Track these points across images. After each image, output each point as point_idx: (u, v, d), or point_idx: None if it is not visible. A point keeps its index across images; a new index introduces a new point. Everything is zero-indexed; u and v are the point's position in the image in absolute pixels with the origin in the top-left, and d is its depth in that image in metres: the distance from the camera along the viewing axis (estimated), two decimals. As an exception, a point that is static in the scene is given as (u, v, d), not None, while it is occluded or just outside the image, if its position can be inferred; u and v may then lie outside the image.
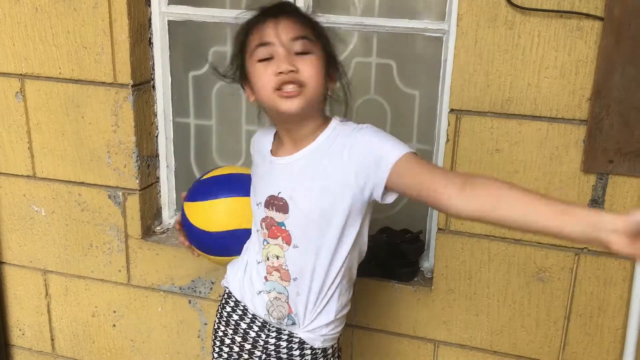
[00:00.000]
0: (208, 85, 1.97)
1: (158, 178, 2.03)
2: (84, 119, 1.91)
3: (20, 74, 1.92)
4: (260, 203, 1.29)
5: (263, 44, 1.19)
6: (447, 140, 1.63)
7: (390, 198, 1.19)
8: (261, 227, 1.30)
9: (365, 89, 1.84)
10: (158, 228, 2.05)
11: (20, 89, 1.94)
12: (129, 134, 1.88)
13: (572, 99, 1.52)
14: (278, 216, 1.26)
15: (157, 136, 1.99)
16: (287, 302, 1.29)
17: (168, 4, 1.88)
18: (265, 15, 1.22)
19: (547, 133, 1.56)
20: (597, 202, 1.57)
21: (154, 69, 1.93)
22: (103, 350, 2.16)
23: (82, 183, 1.98)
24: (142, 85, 1.89)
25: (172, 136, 2.01)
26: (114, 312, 2.09)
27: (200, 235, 1.44)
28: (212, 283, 1.94)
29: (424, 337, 1.80)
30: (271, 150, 1.32)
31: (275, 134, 1.34)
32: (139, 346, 2.11)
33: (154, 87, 1.95)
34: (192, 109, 2.01)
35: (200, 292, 1.96)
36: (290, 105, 1.18)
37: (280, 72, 1.17)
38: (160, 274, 1.99)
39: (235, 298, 1.39)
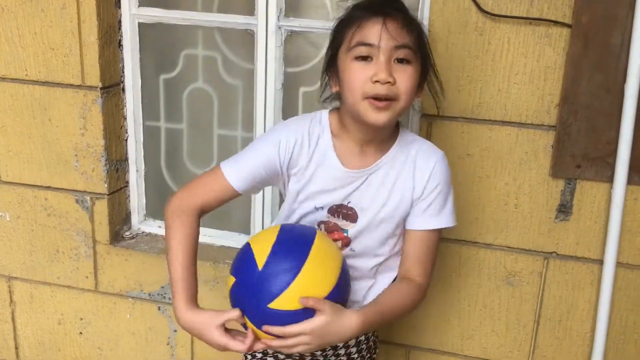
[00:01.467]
0: (179, 88, 1.95)
1: (127, 182, 2.00)
2: (51, 122, 1.87)
3: (-15, 75, 1.88)
4: (321, 207, 1.27)
5: (365, 44, 1.14)
6: (419, 145, 1.64)
7: None
8: (318, 227, 1.30)
9: (337, 94, 1.84)
10: (127, 233, 2.01)
11: (-15, 90, 1.89)
12: (98, 137, 1.85)
13: (540, 104, 1.54)
14: (344, 224, 1.27)
15: (126, 140, 1.96)
16: None
17: (138, 6, 1.86)
18: (374, 11, 1.16)
19: (517, 138, 1.58)
20: (565, 207, 1.59)
21: (123, 72, 1.90)
22: (69, 359, 2.11)
23: (48, 187, 1.93)
24: (112, 87, 1.86)
25: (142, 140, 1.98)
26: (81, 319, 2.05)
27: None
28: (182, 289, 1.91)
29: (396, 342, 1.80)
30: (337, 155, 1.25)
31: (333, 135, 1.26)
32: (106, 354, 2.06)
33: (123, 89, 1.92)
34: (163, 112, 1.98)
35: (169, 299, 1.93)
36: (378, 118, 1.15)
37: (377, 81, 1.12)
38: (129, 280, 1.95)
39: None
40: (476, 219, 1.65)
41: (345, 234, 1.28)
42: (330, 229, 1.29)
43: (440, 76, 1.32)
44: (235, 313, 1.14)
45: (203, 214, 1.29)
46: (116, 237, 1.97)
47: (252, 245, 1.17)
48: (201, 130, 1.97)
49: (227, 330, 1.16)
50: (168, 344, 1.99)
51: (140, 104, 1.95)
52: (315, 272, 1.11)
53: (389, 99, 1.14)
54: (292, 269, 1.10)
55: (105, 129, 1.85)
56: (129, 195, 2.01)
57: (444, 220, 1.28)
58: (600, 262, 1.60)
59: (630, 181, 1.51)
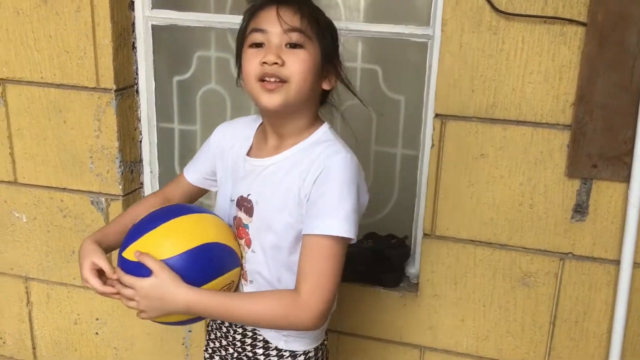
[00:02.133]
0: (192, 90, 1.96)
1: (142, 184, 2.01)
2: (66, 124, 1.88)
3: (1, 79, 1.90)
4: (233, 200, 1.27)
5: (257, 30, 1.15)
6: (432, 145, 1.63)
7: None
8: (233, 224, 1.28)
9: (350, 94, 1.83)
10: (142, 234, 2.02)
11: (1, 93, 1.91)
12: (112, 139, 1.86)
13: (556, 104, 1.53)
14: (245, 218, 1.24)
15: (140, 141, 1.97)
16: None
17: (152, 8, 1.87)
18: (268, 1, 1.17)
19: (532, 138, 1.56)
20: (581, 207, 1.58)
21: (137, 74, 1.91)
22: (85, 359, 2.13)
23: (64, 189, 1.95)
24: (126, 89, 1.88)
25: (155, 141, 1.99)
26: (97, 319, 2.06)
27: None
28: (197, 290, 1.92)
29: (410, 342, 1.79)
30: (251, 147, 1.28)
31: (259, 128, 1.30)
32: (122, 354, 2.08)
33: (137, 91, 1.93)
34: (176, 114, 1.99)
35: (184, 299, 1.94)
36: (270, 100, 1.14)
37: (265, 63, 1.13)
38: (144, 281, 1.96)
39: None
40: (491, 220, 1.64)
41: (247, 230, 1.24)
42: (237, 225, 1.26)
43: (345, 71, 1.28)
44: (106, 266, 1.20)
45: (165, 200, 1.40)
46: (131, 238, 1.98)
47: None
48: (214, 132, 1.98)
49: (101, 274, 1.21)
50: (183, 344, 2.00)
51: (154, 106, 1.96)
52: (167, 235, 1.16)
53: (278, 80, 1.13)
54: (149, 226, 1.17)
55: (120, 130, 1.86)
56: (143, 196, 2.02)
57: (328, 227, 1.11)
58: (617, 262, 1.58)
59: (647, 181, 1.49)
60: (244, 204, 1.24)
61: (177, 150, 2.03)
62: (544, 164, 1.57)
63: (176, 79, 1.96)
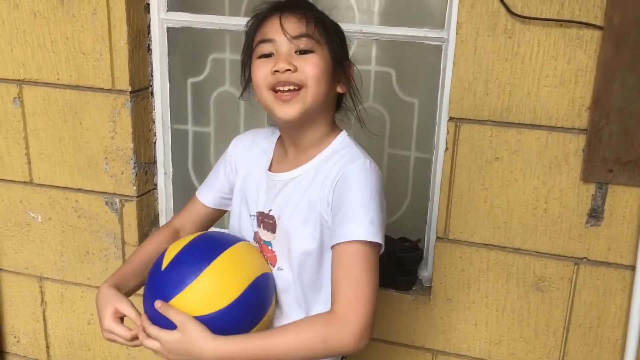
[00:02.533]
0: (207, 91, 1.97)
1: (156, 185, 2.02)
2: (81, 125, 1.90)
3: (18, 80, 1.92)
4: (253, 216, 1.23)
5: (265, 40, 1.13)
6: (446, 148, 1.63)
7: None
8: (253, 241, 1.24)
9: (364, 97, 1.82)
10: (155, 235, 2.03)
11: (18, 94, 1.93)
12: (127, 141, 1.87)
13: (571, 107, 1.52)
14: (266, 235, 1.20)
15: (155, 143, 1.99)
16: (272, 325, 1.21)
17: (167, 10, 1.88)
18: (272, 9, 1.15)
19: (547, 142, 1.55)
20: (596, 212, 1.57)
21: (152, 76, 1.93)
22: (99, 358, 2.14)
23: (79, 189, 1.97)
24: (141, 91, 1.89)
25: (170, 143, 2.00)
26: (110, 319, 2.07)
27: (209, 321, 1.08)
28: (209, 291, 1.92)
29: (422, 346, 1.79)
30: (271, 163, 1.25)
31: (278, 140, 1.27)
32: (134, 354, 2.09)
33: (152, 93, 1.94)
34: (191, 115, 2.00)
35: (197, 300, 1.95)
36: (287, 112, 1.10)
37: (276, 71, 1.09)
38: (157, 282, 1.97)
39: None
40: (504, 224, 1.63)
41: (269, 248, 1.19)
42: (258, 241, 1.22)
43: (357, 73, 1.24)
44: (132, 313, 1.14)
45: (178, 233, 1.35)
46: (144, 238, 1.99)
47: (167, 248, 1.16)
48: (228, 134, 1.98)
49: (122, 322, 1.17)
50: (195, 345, 2.00)
51: (169, 108, 1.97)
52: (210, 287, 1.07)
53: (293, 88, 1.10)
54: (185, 277, 1.08)
55: (134, 132, 1.87)
56: (157, 198, 2.04)
57: (354, 232, 1.06)
58: (633, 267, 1.56)
59: (664, 186, 1.48)
60: (265, 220, 1.20)
61: (191, 151, 2.04)
62: (559, 168, 1.56)
63: (190, 80, 1.97)
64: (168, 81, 1.95)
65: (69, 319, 2.13)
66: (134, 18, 1.81)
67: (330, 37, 1.16)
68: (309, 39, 1.12)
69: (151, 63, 1.92)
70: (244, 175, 1.28)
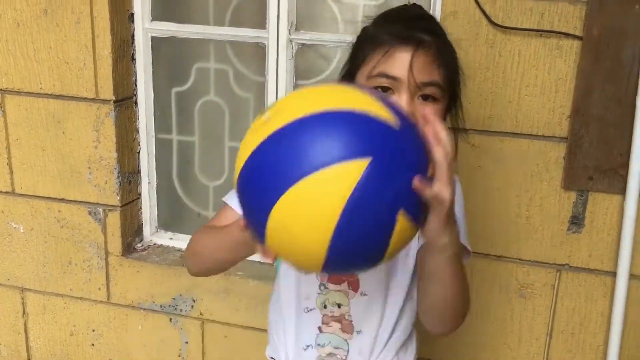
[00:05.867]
0: (191, 101, 1.97)
1: (139, 194, 2.01)
2: (64, 135, 1.89)
3: (1, 89, 1.90)
4: None
5: (387, 76, 1.00)
6: (430, 157, 1.64)
7: None
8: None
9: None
10: (139, 245, 2.02)
11: (1, 104, 1.91)
12: (111, 150, 1.87)
13: (552, 116, 1.54)
14: None
15: (139, 152, 1.98)
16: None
17: (151, 20, 1.88)
18: (405, 37, 1.00)
19: (528, 150, 1.58)
20: (577, 219, 1.59)
21: (136, 85, 1.92)
22: (81, 370, 2.12)
23: (62, 199, 1.95)
24: (125, 101, 1.88)
25: (154, 152, 2.00)
26: (93, 330, 2.06)
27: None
28: (194, 301, 1.91)
29: (407, 354, 1.79)
30: None
31: None
32: (118, 366, 2.07)
33: (136, 102, 1.94)
34: (175, 125, 2.00)
35: (181, 310, 1.94)
36: None
37: None
38: (141, 292, 1.96)
39: None
40: (487, 232, 1.65)
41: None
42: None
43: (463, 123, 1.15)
44: None
45: None
46: (128, 248, 1.98)
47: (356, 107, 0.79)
48: (213, 143, 1.99)
49: None
50: (179, 356, 1.99)
51: (153, 117, 1.97)
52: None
53: None
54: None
55: (118, 141, 1.87)
56: (141, 207, 2.03)
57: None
58: (613, 274, 1.59)
59: (642, 193, 1.51)
60: None
61: (176, 161, 2.03)
62: (540, 176, 1.58)
63: (175, 90, 1.97)
64: (152, 90, 1.94)
65: (51, 330, 2.10)
66: (117, 27, 1.81)
67: (456, 79, 1.07)
68: (437, 87, 1.01)
69: (135, 72, 1.91)
70: None
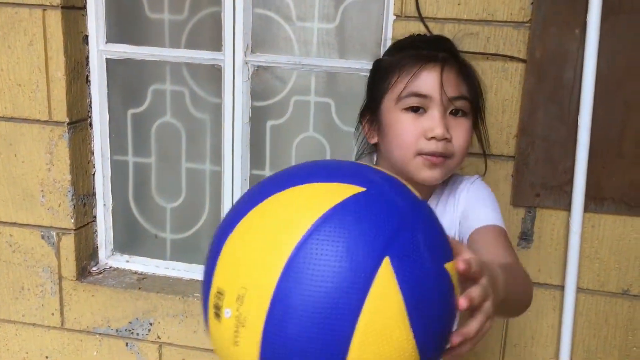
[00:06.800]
0: (147, 122, 1.96)
1: (95, 217, 1.99)
2: (17, 157, 1.86)
3: (-50, 112, 1.87)
4: None
5: (418, 95, 1.03)
6: (384, 176, 1.67)
7: None
8: None
9: (304, 127, 1.87)
10: (94, 268, 1.99)
11: (-51, 126, 1.87)
12: (64, 173, 1.84)
13: (500, 135, 1.60)
14: None
15: (94, 174, 1.96)
16: None
17: (106, 42, 1.88)
18: (429, 58, 1.05)
19: (478, 169, 1.62)
20: (526, 235, 1.64)
21: (91, 107, 1.91)
22: (34, 399, 2.06)
23: (14, 223, 1.91)
24: (79, 122, 1.87)
25: (109, 174, 1.98)
26: (46, 357, 2.01)
27: None
28: (150, 324, 1.89)
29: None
30: None
31: None
32: (72, 393, 2.02)
33: (91, 124, 1.92)
34: (131, 146, 1.99)
35: (138, 334, 1.91)
36: (433, 175, 1.04)
37: (433, 137, 1.01)
38: (96, 316, 1.93)
39: None
40: (441, 248, 1.68)
41: None
42: None
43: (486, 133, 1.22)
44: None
45: None
46: (83, 272, 1.95)
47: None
48: (169, 164, 1.98)
49: None
50: (136, 381, 1.96)
51: (108, 139, 1.95)
52: None
53: (443, 156, 1.04)
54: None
55: (72, 164, 1.85)
56: (96, 230, 2.00)
57: (489, 217, 1.08)
58: (562, 287, 1.64)
59: (586, 209, 1.57)
60: None
61: (132, 182, 2.02)
62: (491, 193, 1.63)
63: (131, 111, 1.96)
64: (107, 112, 1.93)
65: (2, 358, 2.04)
66: (71, 49, 1.80)
67: (478, 92, 1.12)
68: (466, 101, 1.06)
69: (90, 94, 1.90)
70: None
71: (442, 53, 1.07)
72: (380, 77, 1.10)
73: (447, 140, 1.03)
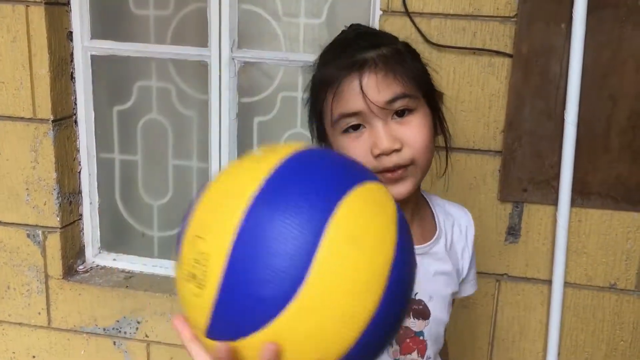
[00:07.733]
0: (133, 119, 1.95)
1: (81, 215, 1.97)
2: (1, 156, 1.84)
3: None
4: None
5: (348, 115, 0.90)
6: (372, 172, 1.67)
7: None
8: (395, 341, 1.00)
9: (292, 123, 1.86)
10: (81, 267, 1.97)
11: None
12: (50, 170, 1.82)
13: (487, 131, 1.60)
14: (417, 324, 1.00)
15: (80, 172, 1.94)
16: None
17: (91, 38, 1.86)
18: (347, 65, 0.91)
19: (466, 164, 1.62)
20: (514, 230, 1.64)
21: (76, 104, 1.89)
22: (21, 399, 2.04)
23: (-2, 222, 1.89)
24: (64, 120, 1.85)
25: (95, 172, 1.96)
26: (33, 357, 1.99)
27: None
28: (138, 322, 1.88)
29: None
30: None
31: None
32: (60, 392, 2.01)
33: (76, 122, 1.90)
34: (117, 143, 1.97)
35: (125, 333, 1.90)
36: (400, 191, 0.92)
37: (381, 154, 0.89)
38: (83, 315, 1.91)
39: None
40: (429, 244, 1.68)
41: (421, 338, 1.01)
42: (402, 338, 1.00)
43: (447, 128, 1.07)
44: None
45: None
46: (69, 271, 1.93)
47: None
48: (156, 161, 1.97)
49: None
50: (124, 380, 1.95)
51: (94, 136, 1.94)
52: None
53: (401, 167, 0.92)
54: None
55: (58, 161, 1.83)
56: (82, 229, 1.98)
57: (475, 283, 1.22)
58: (549, 282, 1.64)
59: (573, 203, 1.57)
60: (414, 308, 1.00)
61: (118, 180, 2.00)
62: (478, 188, 1.63)
63: (116, 108, 1.95)
64: (93, 109, 1.91)
65: (-11, 358, 2.03)
66: (55, 46, 1.78)
67: (425, 81, 0.97)
68: (406, 97, 0.91)
69: (75, 91, 1.88)
70: None
71: (361, 54, 0.92)
72: (314, 97, 1.00)
73: (397, 150, 0.90)
